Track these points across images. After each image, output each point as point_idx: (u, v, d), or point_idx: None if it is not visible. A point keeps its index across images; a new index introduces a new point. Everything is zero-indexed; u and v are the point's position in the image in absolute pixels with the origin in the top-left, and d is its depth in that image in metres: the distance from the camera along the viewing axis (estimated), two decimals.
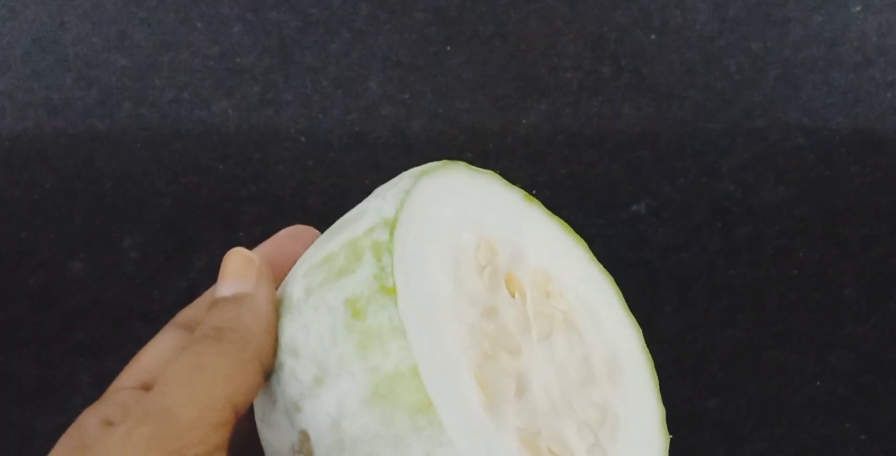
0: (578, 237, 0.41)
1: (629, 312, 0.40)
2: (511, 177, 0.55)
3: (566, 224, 0.41)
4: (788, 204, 0.53)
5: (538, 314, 0.37)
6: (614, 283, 0.41)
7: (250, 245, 0.54)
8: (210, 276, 0.53)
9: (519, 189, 0.40)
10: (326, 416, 0.33)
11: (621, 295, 0.41)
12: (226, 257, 0.34)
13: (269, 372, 0.33)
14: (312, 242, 0.37)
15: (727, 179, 0.53)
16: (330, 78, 0.56)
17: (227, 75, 0.56)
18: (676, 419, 0.49)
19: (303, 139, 0.56)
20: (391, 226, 0.33)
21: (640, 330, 0.40)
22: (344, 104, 0.55)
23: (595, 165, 0.54)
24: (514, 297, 0.37)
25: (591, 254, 0.41)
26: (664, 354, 0.50)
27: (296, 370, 0.33)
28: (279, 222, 0.55)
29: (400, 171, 0.52)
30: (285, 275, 0.36)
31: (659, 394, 0.40)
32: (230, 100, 0.56)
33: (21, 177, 0.56)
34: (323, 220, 0.55)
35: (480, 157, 0.55)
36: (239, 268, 0.34)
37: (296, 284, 0.35)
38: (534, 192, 0.54)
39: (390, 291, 0.32)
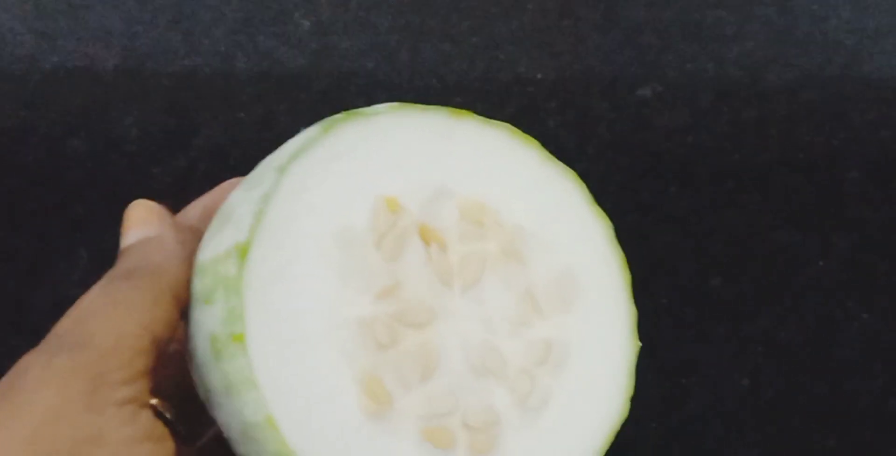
0: (528, 138, 0.38)
1: (596, 206, 0.38)
2: (517, 61, 0.54)
3: (510, 127, 0.37)
4: (795, 89, 0.52)
5: (465, 258, 0.36)
6: (577, 177, 0.37)
7: (251, 126, 0.54)
8: (210, 155, 0.53)
9: (441, 108, 0.37)
10: (226, 430, 0.32)
11: (586, 189, 0.38)
12: (127, 209, 0.34)
13: (185, 306, 0.33)
14: None
15: (734, 65, 0.53)
16: None
17: None
18: (680, 299, 0.49)
19: (307, 23, 0.55)
20: (241, 254, 0.31)
21: (611, 224, 0.37)
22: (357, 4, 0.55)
23: (601, 50, 0.53)
24: (430, 249, 0.35)
25: (546, 152, 0.38)
26: (669, 235, 0.50)
27: (195, 379, 0.33)
28: (281, 103, 0.54)
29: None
30: None
31: (630, 295, 0.37)
32: None
33: (22, 55, 0.55)
34: (326, 103, 0.54)
35: (485, 39, 0.54)
36: (141, 216, 0.34)
37: (196, 275, 0.33)
38: (539, 76, 0.53)
39: (238, 339, 0.31)
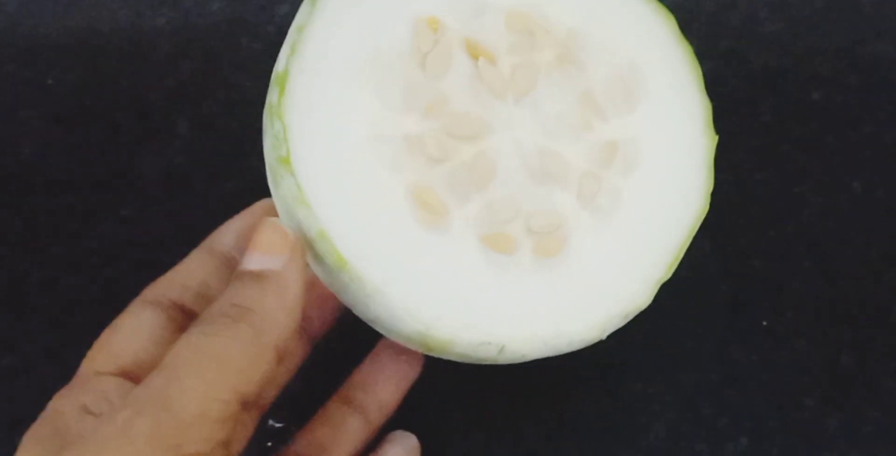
0: None
1: (656, 1, 0.37)
2: None
3: None
4: None
5: (517, 67, 0.35)
6: None
7: None
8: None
9: None
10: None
11: None
12: (258, 226, 0.32)
13: (283, 357, 0.31)
14: None
15: None
16: None
17: None
18: (784, 113, 0.49)
19: None
20: (280, 83, 0.32)
21: (673, 18, 0.37)
22: None
23: None
24: (478, 64, 0.34)
25: None
26: (765, 55, 0.50)
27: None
28: None
29: None
30: None
31: (701, 87, 0.37)
32: None
33: None
34: None
35: None
36: (272, 241, 0.32)
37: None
38: None
39: (285, 162, 0.31)
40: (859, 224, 0.47)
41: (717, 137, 0.37)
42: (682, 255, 0.36)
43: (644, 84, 0.36)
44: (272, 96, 0.32)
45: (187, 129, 0.52)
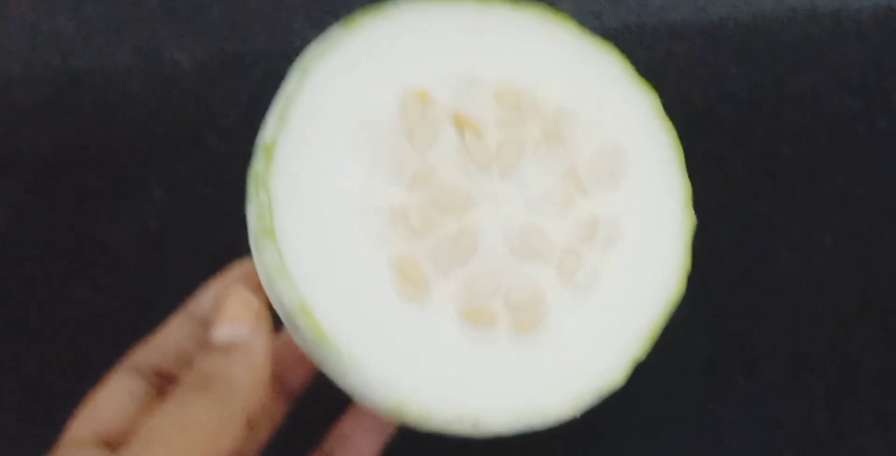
0: (561, 16, 0.37)
1: (640, 79, 0.38)
2: None
3: (542, 7, 0.37)
4: None
5: (502, 143, 0.35)
6: (617, 51, 0.38)
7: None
8: (270, 84, 0.53)
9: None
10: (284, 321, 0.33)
11: (627, 62, 0.38)
12: (225, 296, 0.33)
13: (254, 422, 0.33)
14: None
15: None
16: None
17: None
18: (753, 166, 0.49)
19: None
20: (267, 152, 0.32)
21: (657, 97, 0.38)
22: None
23: None
24: (464, 136, 0.35)
25: (581, 28, 0.37)
26: (735, 112, 0.51)
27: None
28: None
29: None
30: None
31: (682, 169, 0.38)
32: None
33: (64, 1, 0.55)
34: None
35: None
36: (236, 311, 0.33)
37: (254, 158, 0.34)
38: None
39: (269, 233, 0.32)
40: (831, 279, 0.47)
41: (696, 219, 0.38)
42: (657, 335, 0.37)
43: (626, 163, 0.37)
44: (258, 166, 0.32)
45: (162, 193, 0.52)
